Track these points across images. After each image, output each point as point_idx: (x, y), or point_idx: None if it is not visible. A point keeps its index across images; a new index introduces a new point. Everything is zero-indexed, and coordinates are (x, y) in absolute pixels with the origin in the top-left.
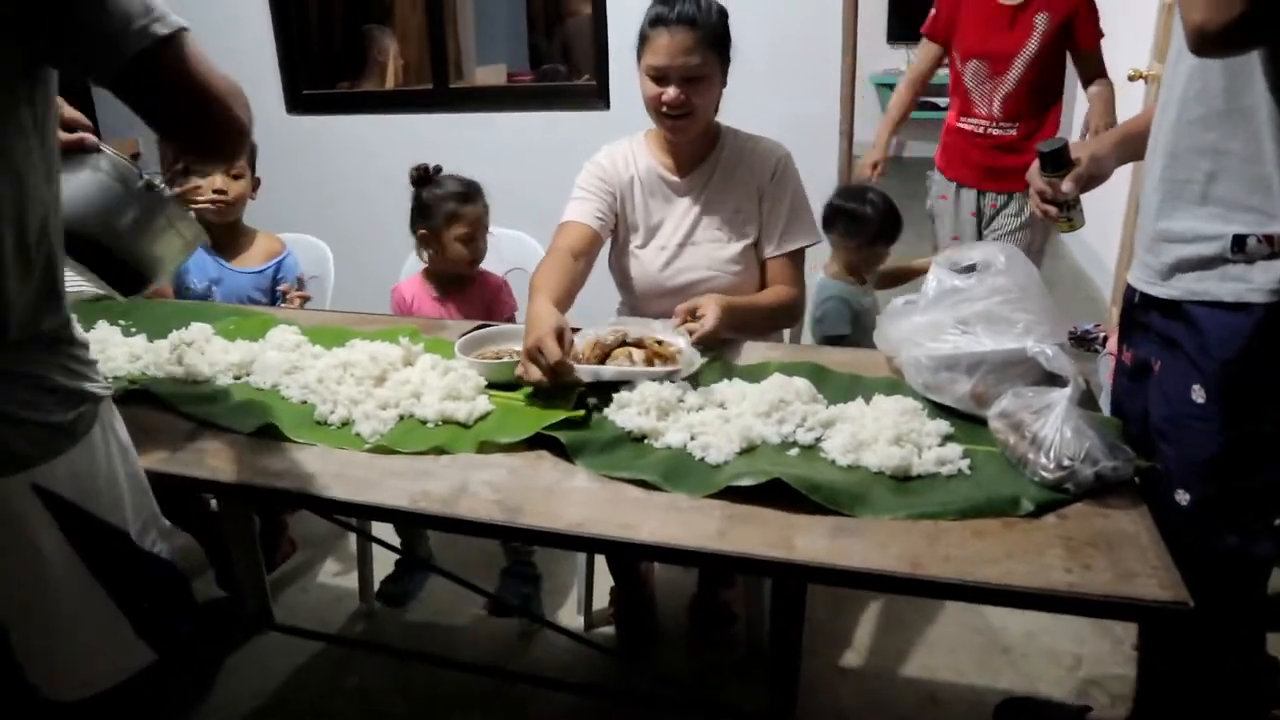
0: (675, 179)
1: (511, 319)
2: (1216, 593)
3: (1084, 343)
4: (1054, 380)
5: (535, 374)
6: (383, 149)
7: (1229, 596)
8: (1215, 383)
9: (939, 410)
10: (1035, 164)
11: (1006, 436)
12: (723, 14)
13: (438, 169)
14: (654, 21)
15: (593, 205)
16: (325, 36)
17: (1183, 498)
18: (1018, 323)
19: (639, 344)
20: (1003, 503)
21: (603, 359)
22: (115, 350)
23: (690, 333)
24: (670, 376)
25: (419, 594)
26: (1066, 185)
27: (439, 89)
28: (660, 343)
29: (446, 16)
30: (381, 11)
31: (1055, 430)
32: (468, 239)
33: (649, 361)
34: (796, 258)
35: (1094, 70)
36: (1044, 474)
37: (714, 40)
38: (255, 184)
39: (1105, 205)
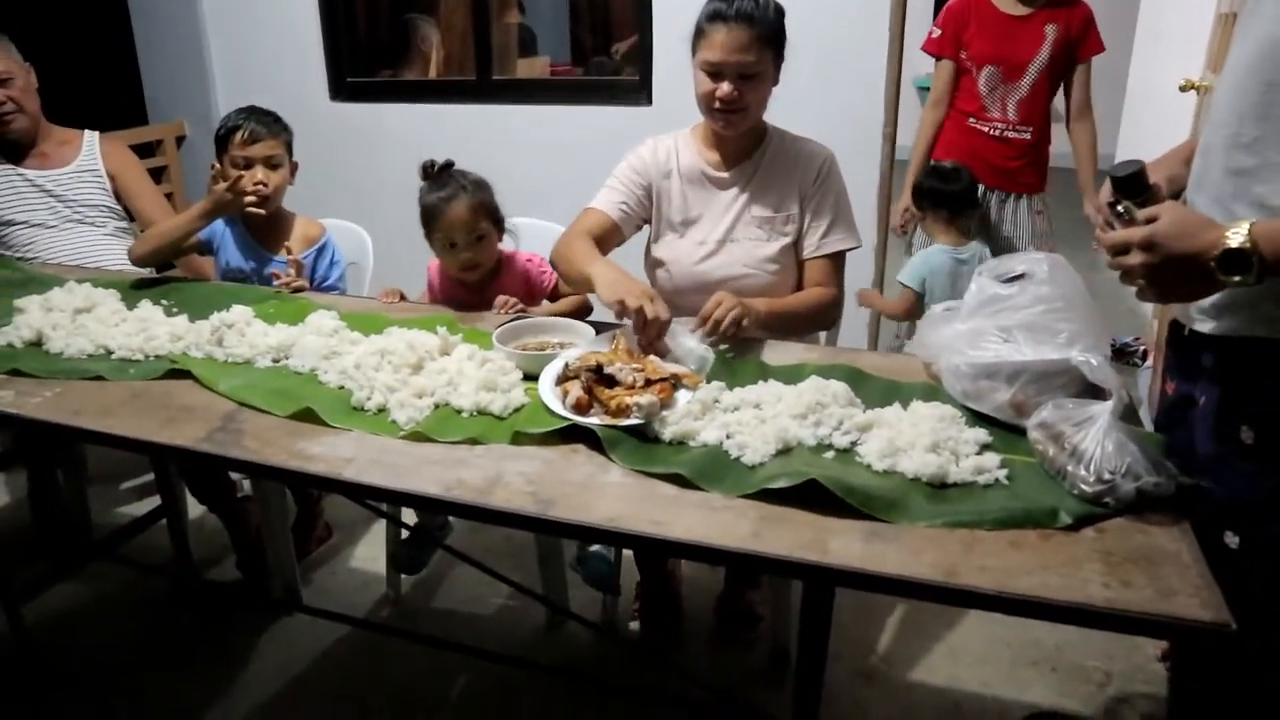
0: (718, 174)
1: (554, 294)
2: (1264, 624)
3: (1123, 355)
4: (1095, 393)
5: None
6: (424, 138)
7: (1276, 629)
8: (1265, 423)
9: (977, 419)
10: (1106, 189)
11: (1046, 448)
12: (780, 12)
13: (446, 164)
14: (711, 17)
15: (619, 196)
16: (371, 25)
17: (1231, 540)
18: (1061, 332)
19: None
20: (1040, 514)
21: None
22: (158, 329)
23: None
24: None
25: (429, 562)
26: (1143, 215)
27: (481, 80)
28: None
29: (491, 8)
30: (425, 2)
31: (1096, 443)
32: (447, 244)
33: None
34: (837, 260)
35: (1082, 92)
36: (1084, 487)
37: (770, 38)
38: (293, 169)
39: None
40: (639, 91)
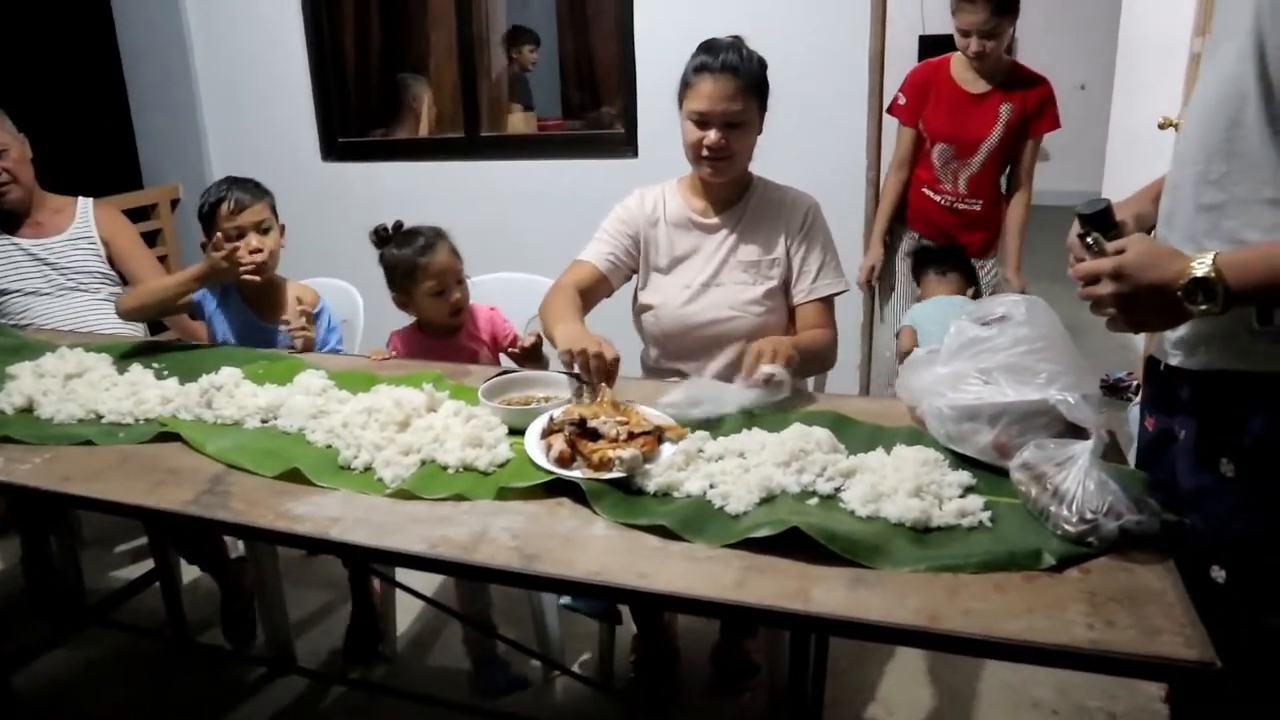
0: (705, 219)
1: (514, 342)
2: (1255, 663)
3: (1116, 391)
4: (1079, 432)
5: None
6: (416, 195)
7: (1269, 668)
8: (1245, 456)
9: (961, 461)
10: (1074, 228)
11: (1028, 488)
12: (763, 64)
13: (398, 225)
14: (698, 69)
15: (607, 248)
16: (362, 85)
17: (1218, 574)
18: (1041, 373)
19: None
20: (1024, 556)
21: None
22: (148, 393)
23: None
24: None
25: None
26: (1112, 247)
27: (470, 136)
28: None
29: (479, 65)
30: (416, 61)
31: (1077, 483)
32: (436, 292)
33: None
34: (829, 303)
35: (1027, 164)
36: (1066, 527)
37: (754, 88)
38: (281, 230)
39: None
40: (626, 144)
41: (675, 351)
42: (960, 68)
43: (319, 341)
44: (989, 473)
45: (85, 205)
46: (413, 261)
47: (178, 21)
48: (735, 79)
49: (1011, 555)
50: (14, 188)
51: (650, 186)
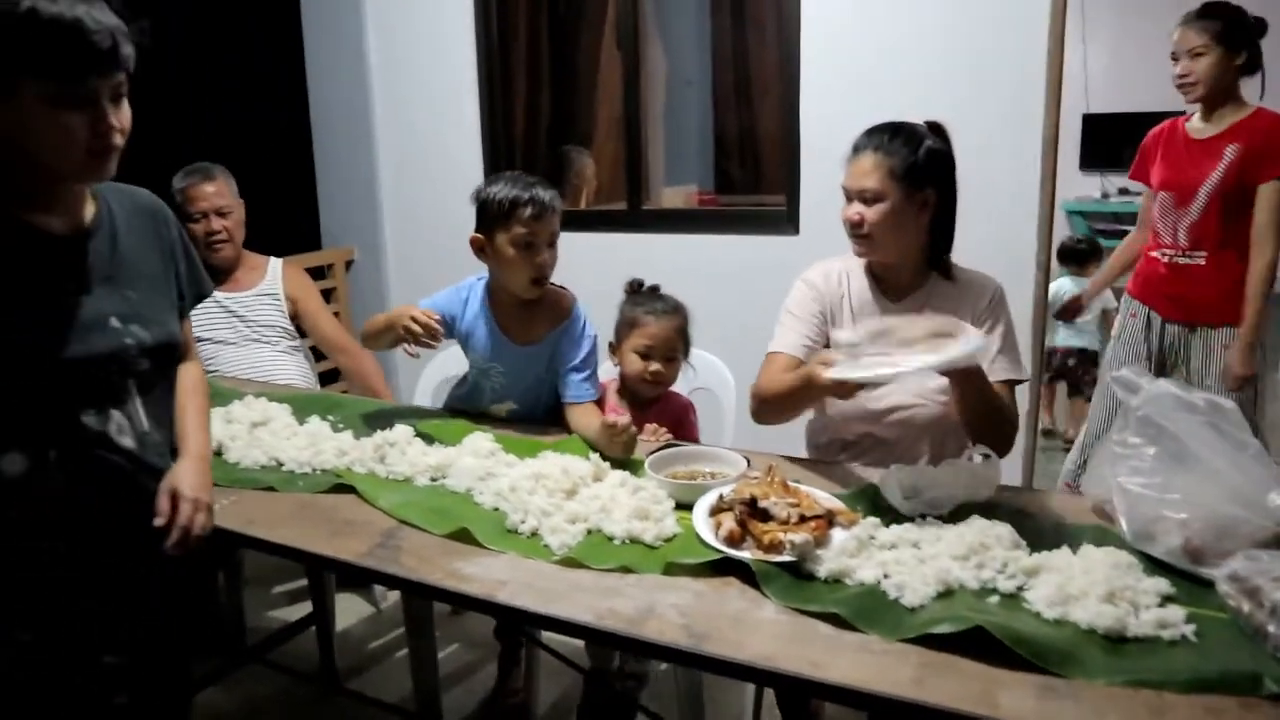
0: (890, 304)
1: (696, 439)
2: None
3: None
4: None
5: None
6: (577, 265)
7: None
8: None
9: (1155, 567)
10: None
11: (1240, 603)
12: (929, 154)
13: (654, 287)
14: (853, 148)
15: (800, 332)
16: (529, 158)
17: None
18: (1248, 474)
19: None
20: (1239, 679)
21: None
22: (325, 445)
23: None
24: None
25: None
26: None
27: (632, 209)
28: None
29: (643, 140)
30: (582, 135)
31: None
32: (641, 356)
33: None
34: (1009, 387)
35: (1261, 217)
36: None
37: (904, 171)
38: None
39: None
40: (787, 221)
41: (851, 434)
42: (1195, 118)
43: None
44: (1189, 582)
45: (275, 265)
46: (637, 318)
47: (364, 95)
48: (875, 154)
49: (1223, 677)
50: (228, 246)
51: (831, 260)
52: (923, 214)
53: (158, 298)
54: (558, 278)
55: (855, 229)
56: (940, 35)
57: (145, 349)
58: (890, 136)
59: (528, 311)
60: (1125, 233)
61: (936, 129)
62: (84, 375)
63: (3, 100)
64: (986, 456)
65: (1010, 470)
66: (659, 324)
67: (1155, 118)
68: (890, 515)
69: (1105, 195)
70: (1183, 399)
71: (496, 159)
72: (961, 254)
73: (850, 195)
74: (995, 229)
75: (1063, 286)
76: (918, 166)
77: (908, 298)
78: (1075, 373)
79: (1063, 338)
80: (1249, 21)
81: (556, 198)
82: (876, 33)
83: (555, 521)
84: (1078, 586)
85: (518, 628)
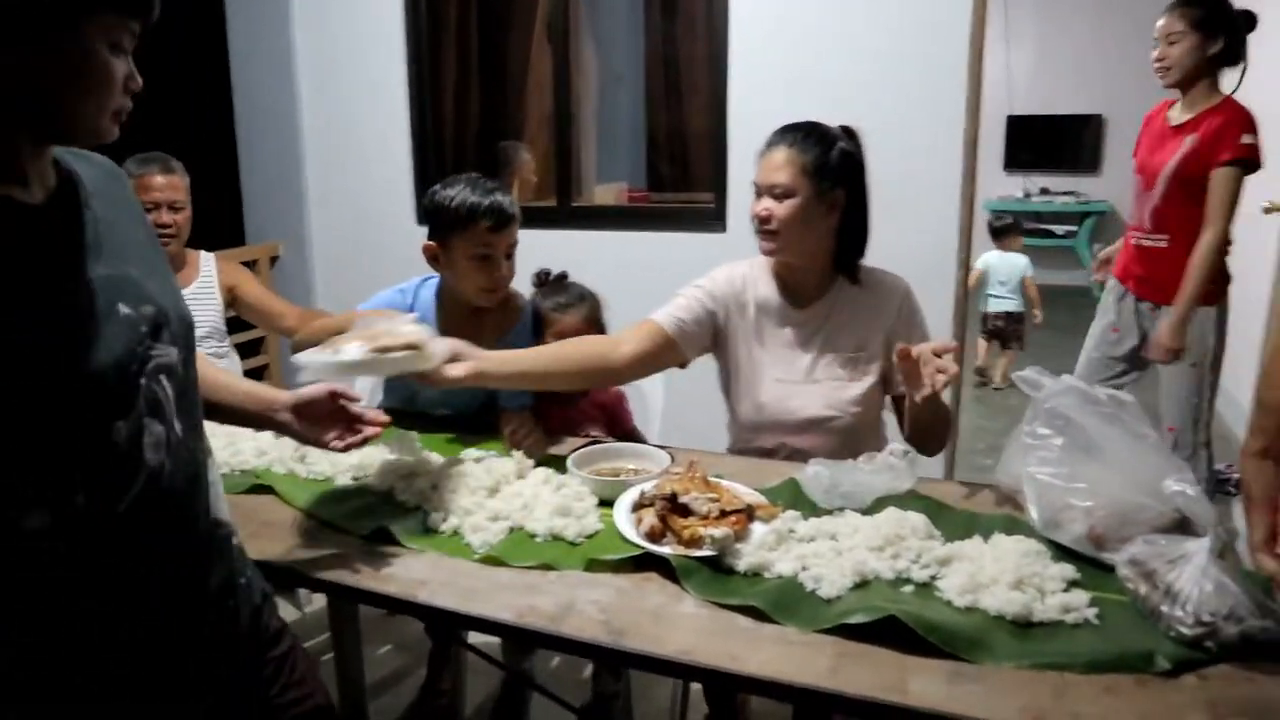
0: (795, 311)
1: (631, 428)
2: None
3: (1220, 484)
4: (1185, 528)
5: None
6: None
7: None
8: None
9: (1062, 553)
10: None
11: (1137, 586)
12: (841, 154)
13: (561, 275)
14: (766, 143)
15: (680, 314)
16: (459, 153)
17: None
18: (1149, 464)
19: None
20: (1135, 658)
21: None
22: (244, 445)
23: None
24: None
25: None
26: None
27: (562, 206)
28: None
29: (574, 136)
30: (513, 130)
31: (1194, 583)
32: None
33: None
34: None
35: (1213, 200)
36: (1181, 629)
37: (815, 168)
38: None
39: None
40: (715, 218)
41: (765, 444)
42: (1176, 105)
43: None
44: (1092, 567)
45: (209, 259)
46: (547, 313)
47: (290, 88)
48: (788, 150)
49: (1121, 656)
50: (174, 243)
51: (738, 263)
52: (831, 214)
53: (157, 270)
54: None
55: (763, 224)
56: (866, 37)
57: (163, 335)
58: (805, 134)
59: (478, 319)
60: (1047, 231)
61: (849, 133)
62: (103, 385)
63: (65, 34)
64: (906, 453)
65: (933, 461)
66: (566, 318)
67: (1076, 120)
68: (810, 509)
69: (1027, 195)
70: (1087, 393)
71: (425, 154)
72: (886, 249)
73: (760, 190)
74: (918, 226)
75: (987, 260)
76: (829, 166)
77: (814, 303)
78: (1005, 331)
79: (993, 304)
80: (1230, 11)
81: (515, 204)
82: (803, 34)
83: (477, 520)
84: (988, 574)
85: (449, 632)
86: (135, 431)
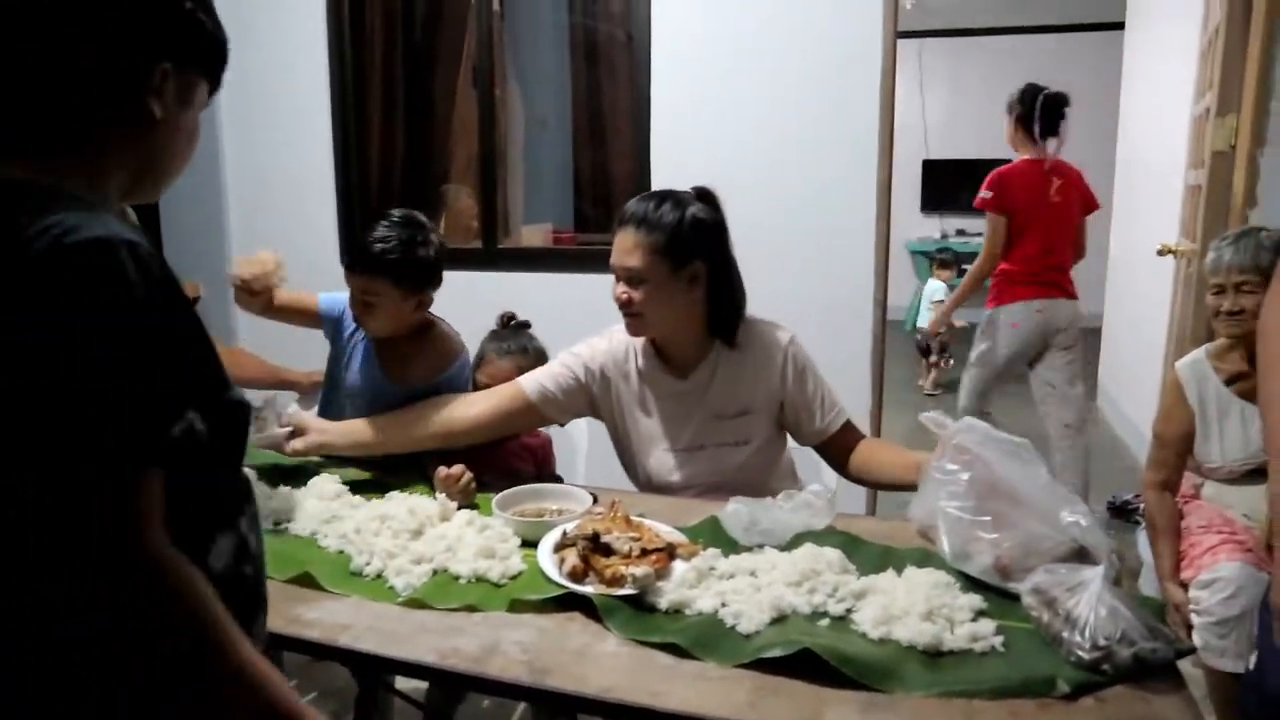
0: (676, 381)
1: (557, 477)
2: None
3: (1123, 513)
4: (1083, 557)
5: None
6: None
7: None
8: None
9: (971, 584)
10: None
11: (1040, 614)
12: (693, 223)
13: (523, 323)
14: (618, 220)
15: (546, 382)
16: (384, 193)
17: None
18: (1048, 496)
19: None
20: (1038, 683)
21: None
22: None
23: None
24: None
25: None
26: None
27: (488, 248)
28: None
29: (499, 178)
30: (437, 172)
31: (1090, 609)
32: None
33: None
34: (848, 424)
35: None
36: (1080, 654)
37: (667, 247)
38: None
39: (1141, 373)
40: None
41: (660, 512)
42: None
43: None
44: (999, 596)
45: None
46: (484, 353)
47: (211, 126)
48: (636, 233)
49: (1025, 682)
50: None
51: (617, 329)
52: (693, 288)
53: None
54: None
55: (625, 308)
56: (783, 85)
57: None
58: (655, 206)
59: (411, 349)
60: (964, 270)
61: (704, 195)
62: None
63: (183, 103)
64: (825, 492)
65: (854, 499)
66: (501, 362)
67: (988, 164)
68: (730, 546)
69: (944, 235)
70: (988, 432)
71: (350, 196)
72: (804, 289)
73: (616, 274)
74: (836, 266)
75: (932, 286)
76: (681, 241)
77: (693, 371)
78: (933, 346)
79: (924, 319)
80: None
81: (395, 251)
82: (722, 82)
83: (400, 563)
84: (900, 606)
85: (375, 677)
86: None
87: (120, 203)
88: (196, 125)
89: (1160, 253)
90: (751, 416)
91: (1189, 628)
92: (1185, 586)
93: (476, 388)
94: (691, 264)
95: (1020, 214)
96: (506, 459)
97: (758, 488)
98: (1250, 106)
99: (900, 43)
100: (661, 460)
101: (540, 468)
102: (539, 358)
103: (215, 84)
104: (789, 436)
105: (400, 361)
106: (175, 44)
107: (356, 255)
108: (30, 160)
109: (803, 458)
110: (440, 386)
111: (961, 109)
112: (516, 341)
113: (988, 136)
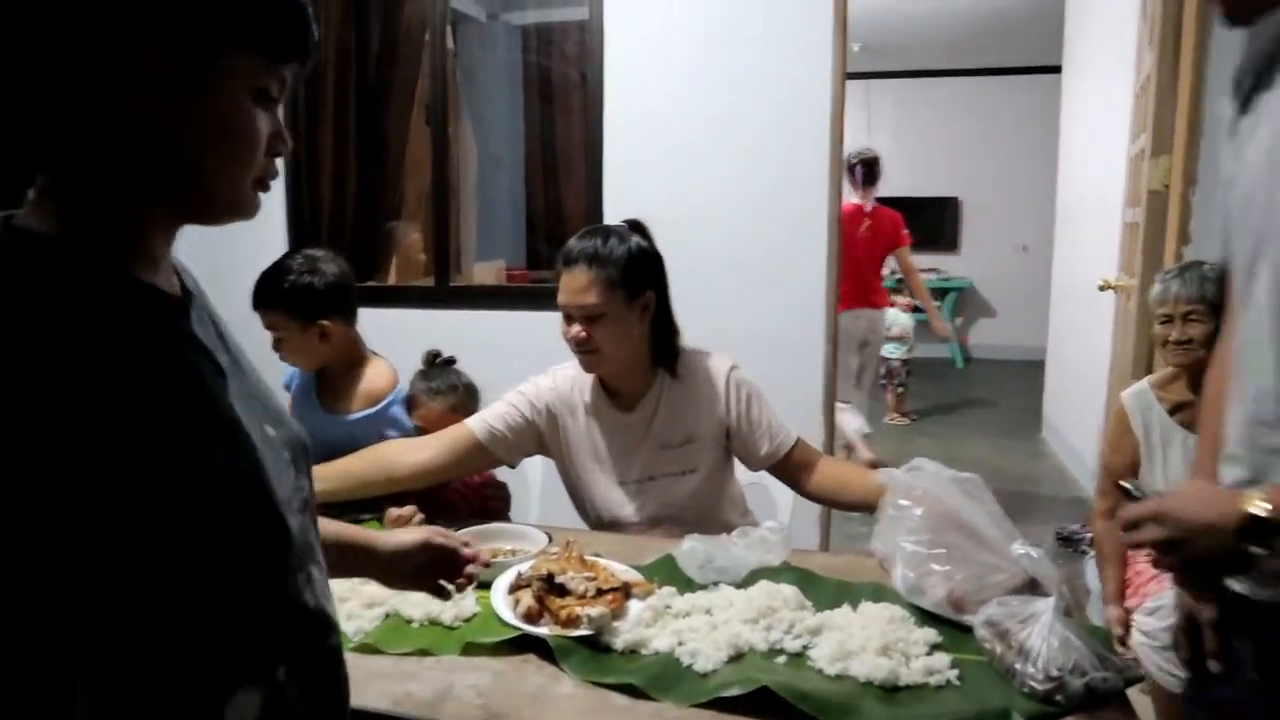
0: (622, 414)
1: (506, 517)
2: None
3: (1071, 544)
4: (1034, 588)
5: None
6: (386, 343)
7: None
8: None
9: (925, 617)
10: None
11: (994, 645)
12: (640, 254)
13: (449, 360)
14: (562, 260)
15: (494, 422)
16: (335, 229)
17: None
18: (999, 530)
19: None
20: (993, 715)
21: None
22: None
23: None
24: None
25: None
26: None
27: (440, 286)
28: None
29: (451, 215)
30: (388, 209)
31: (1042, 640)
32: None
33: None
34: (799, 443)
35: None
36: (1033, 684)
37: (622, 278)
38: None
39: (1084, 405)
40: None
41: (610, 549)
42: None
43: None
44: (953, 629)
45: None
46: (416, 395)
47: None
48: (589, 270)
49: (980, 715)
50: None
51: (567, 366)
52: (644, 317)
53: (264, 381)
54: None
55: (582, 346)
56: (733, 124)
57: (300, 462)
58: (603, 242)
59: (347, 379)
60: (915, 306)
61: (638, 227)
62: (282, 524)
63: (191, 91)
64: (779, 528)
65: (806, 534)
66: (433, 403)
67: (935, 202)
68: (686, 584)
69: (894, 272)
70: (938, 470)
71: (301, 233)
72: (760, 318)
73: (569, 314)
74: (788, 298)
75: (890, 314)
76: (634, 270)
77: (639, 403)
78: (897, 373)
79: (888, 349)
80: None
81: (280, 282)
82: (673, 120)
83: (351, 607)
84: (856, 642)
85: None
86: (307, 580)
87: (171, 233)
88: (236, 108)
89: (1101, 288)
90: (697, 444)
91: (1122, 642)
92: (1129, 612)
93: (416, 431)
94: (644, 294)
95: (844, 244)
96: (459, 499)
97: (709, 517)
98: (1182, 147)
99: (849, 84)
100: (612, 494)
101: (484, 504)
102: (469, 393)
103: (267, 47)
104: (737, 465)
105: (333, 393)
106: (150, 23)
107: (253, 291)
108: (55, 203)
109: (754, 494)
110: (373, 418)
111: (908, 148)
112: (445, 380)
113: (934, 174)
